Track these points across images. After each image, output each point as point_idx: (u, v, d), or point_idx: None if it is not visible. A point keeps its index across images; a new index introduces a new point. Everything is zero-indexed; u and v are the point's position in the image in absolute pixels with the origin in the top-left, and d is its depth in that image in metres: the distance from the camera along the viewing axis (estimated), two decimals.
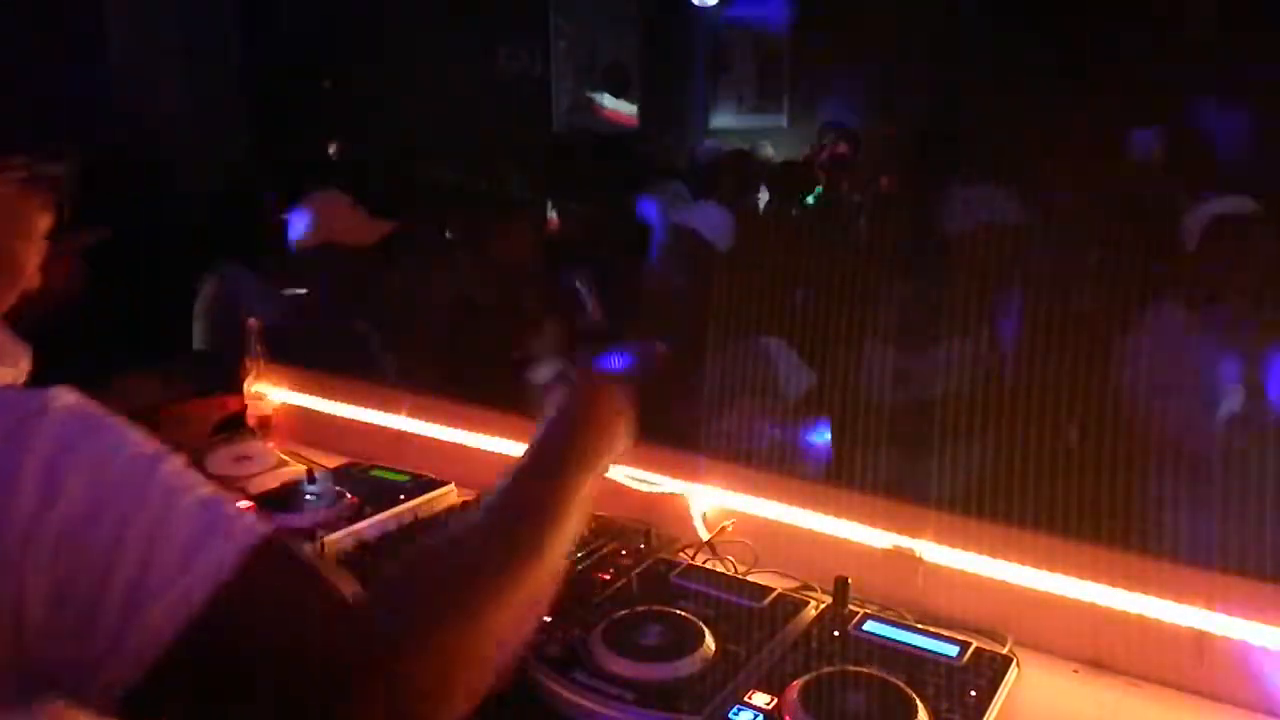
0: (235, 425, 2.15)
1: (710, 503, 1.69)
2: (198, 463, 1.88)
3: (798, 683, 1.24)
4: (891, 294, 2.62)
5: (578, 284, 3.10)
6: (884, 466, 2.25)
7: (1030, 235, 2.60)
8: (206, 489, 0.76)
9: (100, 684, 0.70)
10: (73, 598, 0.69)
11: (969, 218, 2.56)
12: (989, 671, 1.28)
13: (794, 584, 1.54)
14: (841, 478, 2.21)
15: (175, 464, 0.76)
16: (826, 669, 1.27)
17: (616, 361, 1.14)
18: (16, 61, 2.55)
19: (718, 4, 6.73)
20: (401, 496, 1.82)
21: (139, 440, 0.76)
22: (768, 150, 5.97)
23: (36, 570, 0.69)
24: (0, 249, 0.92)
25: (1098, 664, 1.37)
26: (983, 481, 2.06)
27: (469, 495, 1.86)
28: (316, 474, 1.92)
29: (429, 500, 1.84)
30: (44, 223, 0.96)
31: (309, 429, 2.19)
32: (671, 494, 1.72)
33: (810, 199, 4.91)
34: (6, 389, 0.78)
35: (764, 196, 4.85)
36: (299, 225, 2.70)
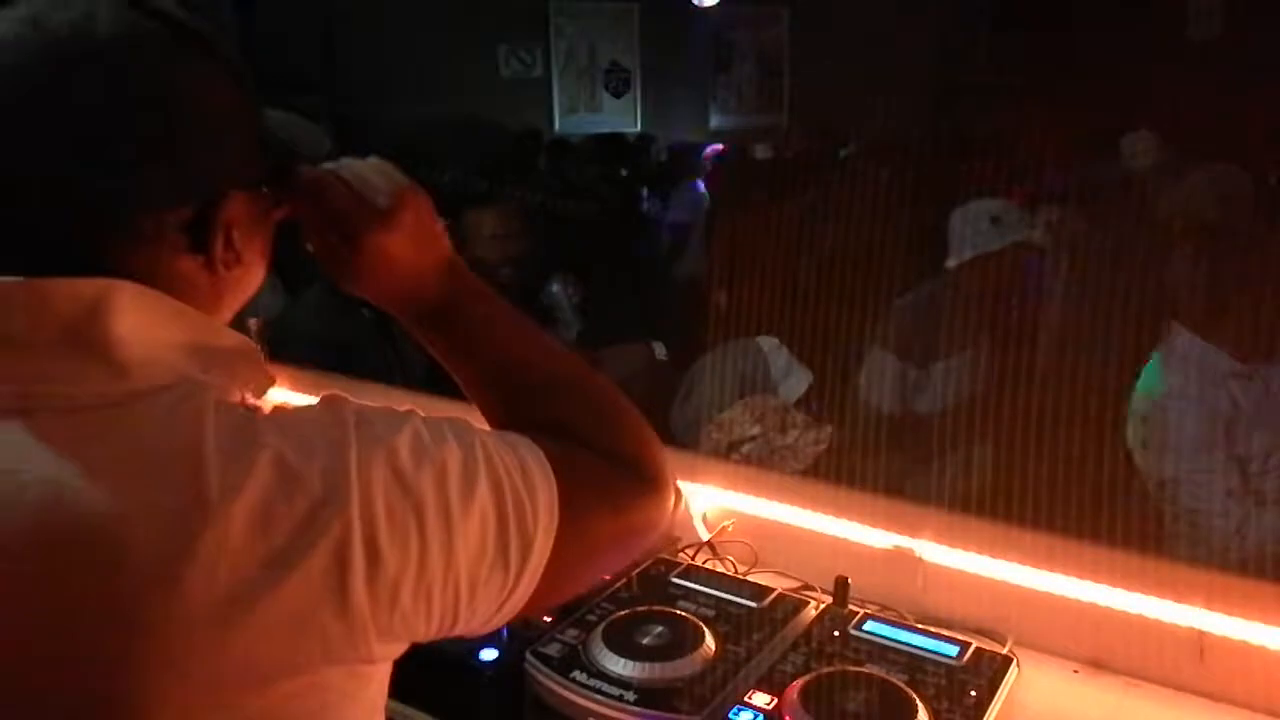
0: None
1: (710, 503, 1.69)
2: None
3: (798, 683, 1.24)
4: (892, 298, 2.62)
5: (555, 288, 3.09)
6: (884, 468, 2.25)
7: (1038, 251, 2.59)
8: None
9: (512, 609, 0.80)
10: (489, 549, 0.76)
11: (978, 236, 2.54)
12: (989, 671, 1.28)
13: (794, 584, 1.54)
14: (841, 478, 2.22)
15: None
16: (826, 669, 1.27)
17: None
18: None
19: (718, 4, 6.73)
20: None
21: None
22: (766, 151, 5.98)
23: (461, 538, 0.74)
24: (257, 269, 0.86)
25: (1098, 664, 1.37)
26: (983, 486, 2.07)
27: None
28: None
29: None
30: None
31: None
32: None
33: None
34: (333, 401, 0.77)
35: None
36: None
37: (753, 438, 2.24)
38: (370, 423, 0.74)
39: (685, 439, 2.39)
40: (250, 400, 0.78)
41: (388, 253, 0.93)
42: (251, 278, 0.85)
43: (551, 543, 0.78)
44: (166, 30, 0.74)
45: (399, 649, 0.76)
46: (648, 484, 0.91)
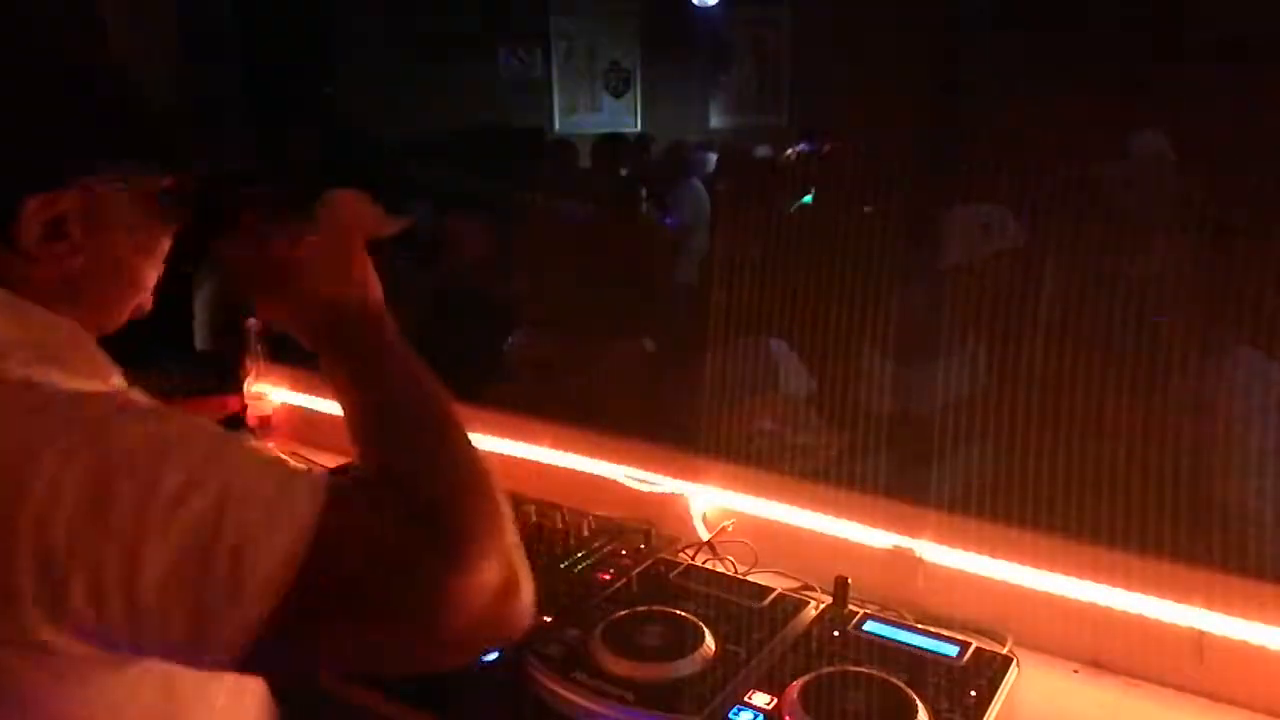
0: (235, 425, 2.15)
1: (710, 503, 1.69)
2: None
3: (798, 683, 1.24)
4: (892, 300, 2.62)
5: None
6: (885, 467, 2.25)
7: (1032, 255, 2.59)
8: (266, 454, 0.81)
9: (217, 646, 0.74)
10: (185, 573, 0.72)
11: (972, 241, 2.54)
12: (989, 671, 1.28)
13: (794, 584, 1.54)
14: (843, 478, 2.21)
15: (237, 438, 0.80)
16: (826, 669, 1.27)
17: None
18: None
19: (718, 4, 6.73)
20: None
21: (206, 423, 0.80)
22: (765, 151, 5.98)
23: (151, 553, 0.71)
24: (124, 264, 0.89)
25: (1098, 664, 1.37)
26: (983, 487, 2.06)
27: None
28: None
29: None
30: (166, 243, 0.94)
31: (309, 429, 2.18)
32: (671, 494, 1.73)
33: (807, 199, 4.90)
34: (89, 393, 0.78)
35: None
36: (316, 220, 2.72)
37: (768, 432, 2.24)
38: (126, 419, 0.76)
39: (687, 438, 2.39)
40: (109, 385, 0.82)
41: (294, 275, 0.97)
42: (112, 270, 0.88)
43: (275, 585, 0.72)
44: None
45: (87, 648, 0.74)
46: (458, 564, 0.75)
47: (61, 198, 0.81)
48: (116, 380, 0.88)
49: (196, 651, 0.75)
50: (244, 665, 0.76)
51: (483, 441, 1.94)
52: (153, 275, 0.95)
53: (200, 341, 2.96)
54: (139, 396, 0.81)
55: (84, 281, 0.85)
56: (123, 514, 0.71)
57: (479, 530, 0.78)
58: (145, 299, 0.95)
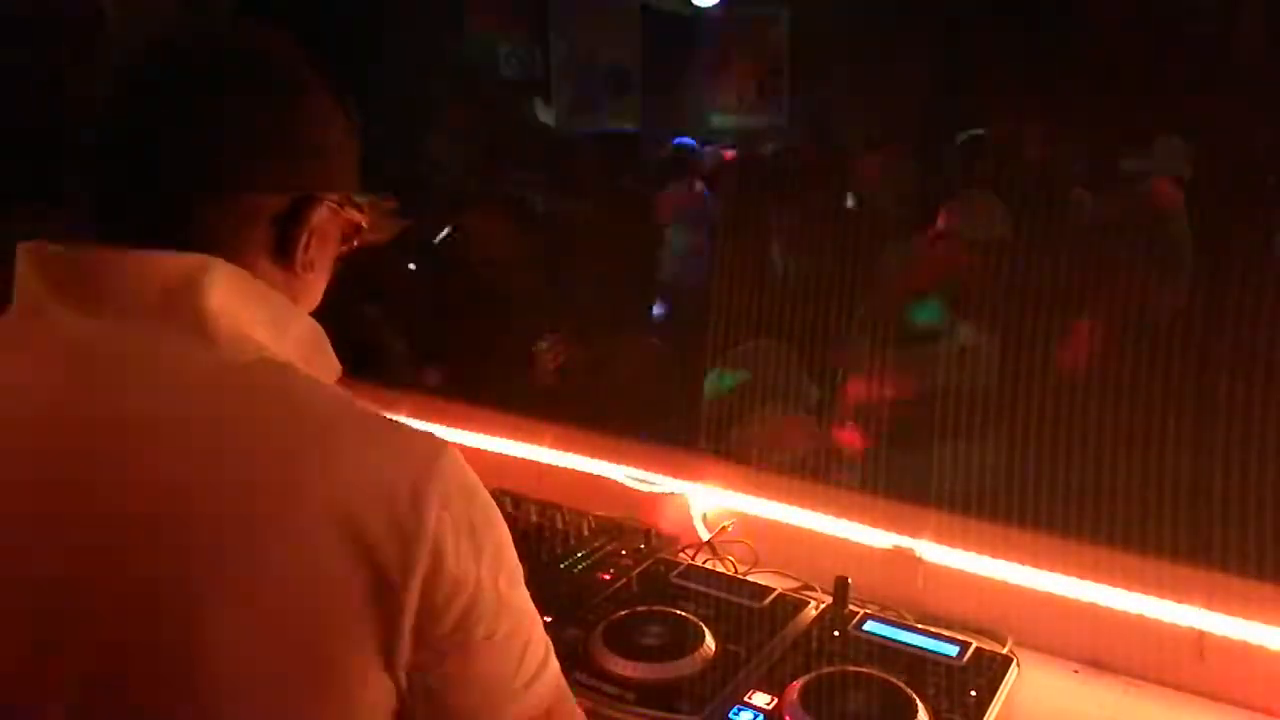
0: None
1: (710, 503, 1.69)
2: None
3: (798, 683, 1.24)
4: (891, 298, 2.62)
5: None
6: (885, 465, 2.25)
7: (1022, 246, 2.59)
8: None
9: None
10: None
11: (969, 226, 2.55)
12: (989, 671, 1.28)
13: (794, 584, 1.54)
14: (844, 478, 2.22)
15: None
16: (826, 669, 1.27)
17: None
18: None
19: (718, 4, 6.72)
20: None
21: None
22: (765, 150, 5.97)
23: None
24: (322, 279, 0.90)
25: (1098, 664, 1.37)
26: (982, 482, 2.06)
27: None
28: None
29: None
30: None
31: None
32: (671, 494, 1.73)
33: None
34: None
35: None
36: None
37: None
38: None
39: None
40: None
41: None
42: (319, 287, 0.90)
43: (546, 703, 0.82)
44: (298, 52, 0.84)
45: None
46: None
47: (320, 207, 0.84)
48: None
49: None
50: None
51: (483, 441, 1.96)
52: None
53: None
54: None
55: (304, 295, 0.88)
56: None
57: None
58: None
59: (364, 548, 0.70)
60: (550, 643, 0.85)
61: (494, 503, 0.80)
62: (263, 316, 0.80)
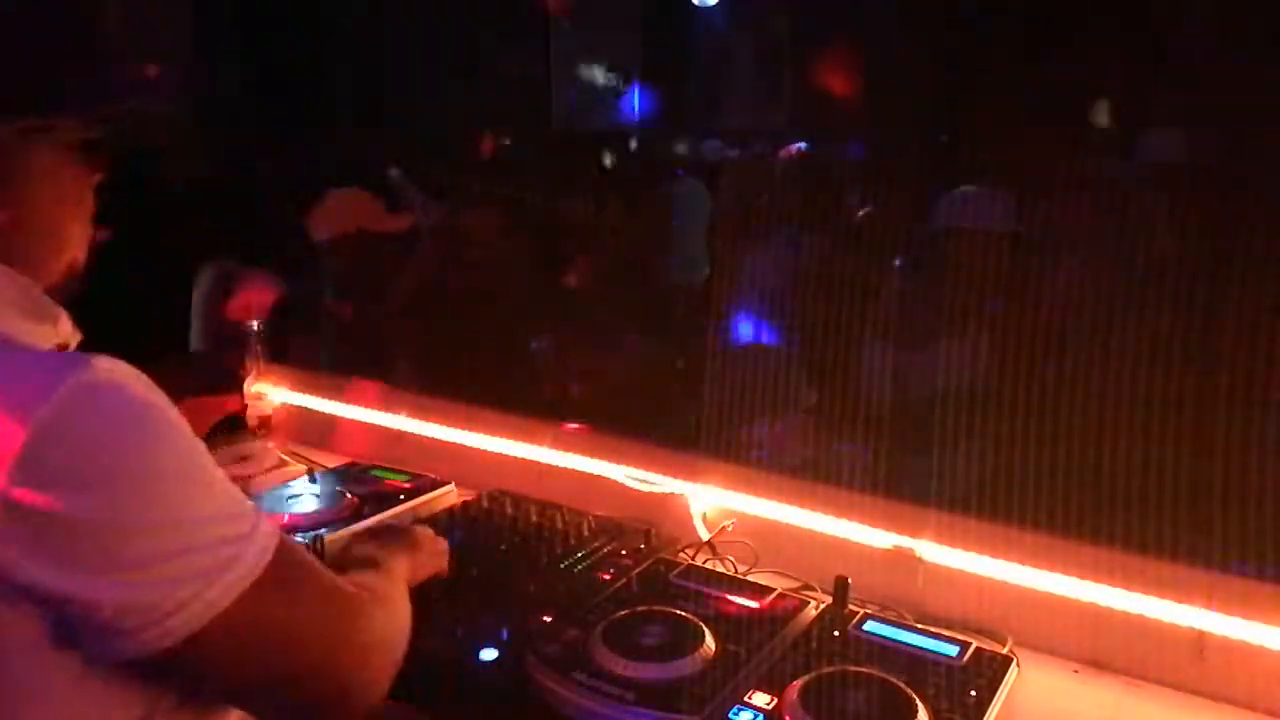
0: (235, 425, 2.15)
1: (710, 503, 1.69)
2: None
3: (798, 683, 1.24)
4: (891, 294, 2.62)
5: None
6: (884, 465, 2.25)
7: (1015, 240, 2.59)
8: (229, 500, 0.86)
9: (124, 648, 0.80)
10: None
11: (955, 219, 2.55)
12: (989, 671, 1.28)
13: (794, 584, 1.54)
14: (843, 477, 2.22)
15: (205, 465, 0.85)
16: (826, 669, 1.27)
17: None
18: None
19: (718, 4, 6.72)
20: (401, 496, 1.82)
21: (176, 433, 0.83)
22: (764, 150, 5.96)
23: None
24: (50, 217, 0.91)
25: (1098, 664, 1.37)
26: (981, 482, 2.06)
27: (469, 495, 1.87)
28: (316, 474, 1.92)
29: (429, 500, 1.84)
30: (91, 198, 0.96)
31: (309, 429, 2.19)
32: (671, 494, 1.73)
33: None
34: (52, 353, 0.81)
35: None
36: (323, 220, 2.75)
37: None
38: None
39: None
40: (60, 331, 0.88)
41: None
42: (38, 226, 0.90)
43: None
44: None
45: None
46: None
47: None
48: (65, 325, 0.91)
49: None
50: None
51: (483, 442, 1.96)
52: (82, 231, 0.96)
53: (195, 342, 2.96)
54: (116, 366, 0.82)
55: (13, 238, 0.87)
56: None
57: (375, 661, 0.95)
58: (77, 255, 0.97)
59: None
60: None
61: None
62: None
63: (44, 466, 0.75)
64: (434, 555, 1.38)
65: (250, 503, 0.89)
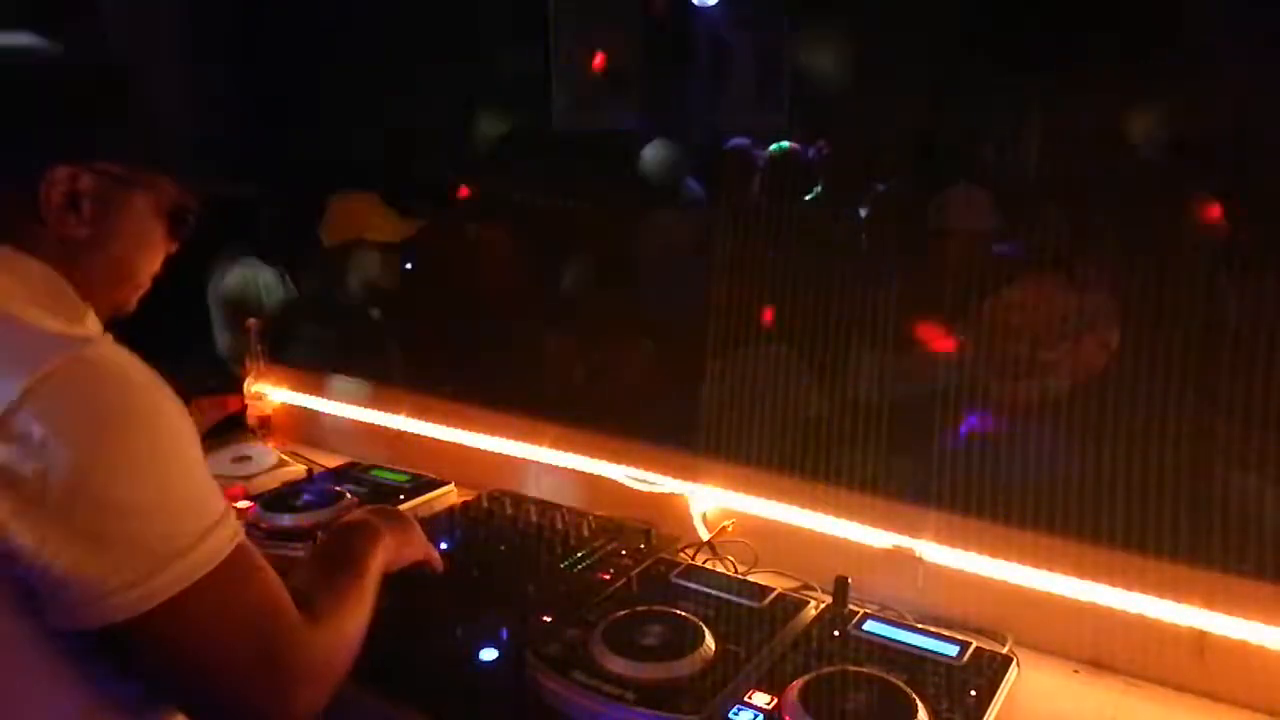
0: (235, 425, 2.15)
1: (710, 503, 1.69)
2: None
3: (798, 683, 1.24)
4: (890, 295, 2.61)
5: None
6: (883, 466, 2.24)
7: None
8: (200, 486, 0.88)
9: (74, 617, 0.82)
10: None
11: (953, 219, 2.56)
12: (989, 671, 1.29)
13: (794, 584, 1.54)
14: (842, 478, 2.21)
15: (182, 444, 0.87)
16: (826, 669, 1.27)
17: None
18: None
19: (718, 4, 6.72)
20: (401, 496, 1.83)
21: (162, 416, 0.86)
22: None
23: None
24: (124, 249, 1.00)
25: (1098, 664, 1.37)
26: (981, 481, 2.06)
27: (469, 495, 1.87)
28: (316, 474, 1.92)
29: (429, 500, 1.84)
30: (162, 249, 1.06)
31: (309, 429, 2.19)
32: (671, 494, 1.73)
33: (807, 197, 4.88)
34: (59, 333, 0.85)
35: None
36: (332, 222, 2.76)
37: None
38: None
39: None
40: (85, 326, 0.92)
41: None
42: (108, 253, 0.98)
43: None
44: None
45: None
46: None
47: (84, 175, 0.93)
48: (92, 324, 0.96)
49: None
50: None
51: (483, 442, 1.96)
52: (146, 273, 1.05)
53: (219, 327, 2.97)
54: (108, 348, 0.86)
55: (82, 254, 0.95)
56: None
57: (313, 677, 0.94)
58: (130, 297, 1.05)
59: None
60: None
61: None
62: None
63: (29, 425, 0.78)
64: (421, 543, 1.34)
65: (223, 502, 0.90)
